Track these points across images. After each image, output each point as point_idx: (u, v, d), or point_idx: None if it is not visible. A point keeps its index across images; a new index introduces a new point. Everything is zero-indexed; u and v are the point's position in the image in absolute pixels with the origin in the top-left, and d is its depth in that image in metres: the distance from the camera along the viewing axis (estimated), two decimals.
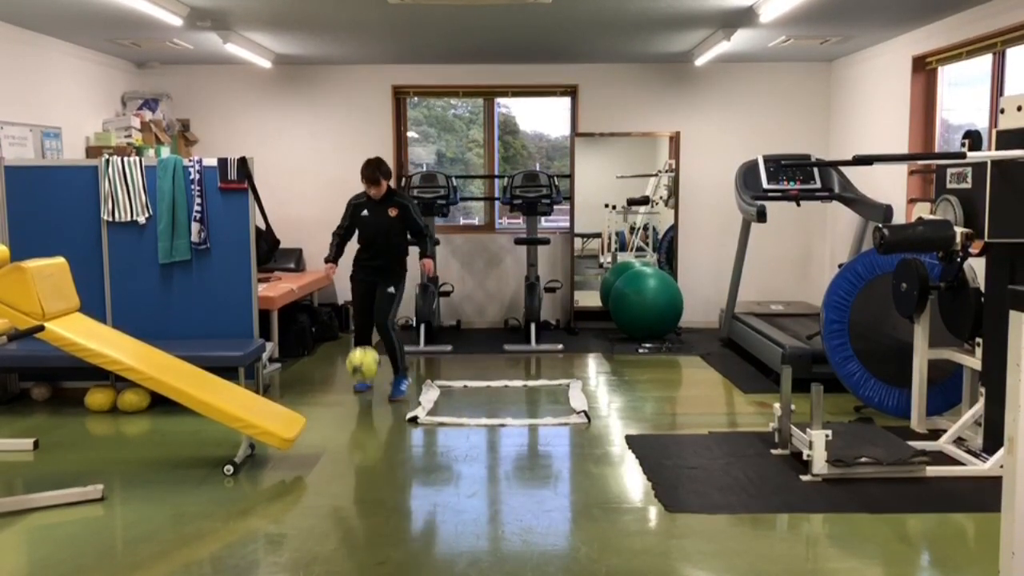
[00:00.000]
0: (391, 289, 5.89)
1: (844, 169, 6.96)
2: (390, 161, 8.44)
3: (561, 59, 8.05)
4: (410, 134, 9.00)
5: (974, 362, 4.57)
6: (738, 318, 7.26)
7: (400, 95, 8.52)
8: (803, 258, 8.56)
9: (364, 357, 5.76)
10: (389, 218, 5.87)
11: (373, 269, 5.92)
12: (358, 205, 5.94)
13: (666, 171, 8.63)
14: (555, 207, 7.92)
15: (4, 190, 5.85)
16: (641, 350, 7.37)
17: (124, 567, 3.24)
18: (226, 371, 5.00)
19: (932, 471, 4.17)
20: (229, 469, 4.27)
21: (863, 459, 4.12)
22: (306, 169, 8.48)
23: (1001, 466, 2.78)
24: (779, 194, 6.83)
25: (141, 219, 5.87)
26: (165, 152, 7.61)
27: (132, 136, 7.31)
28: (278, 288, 6.95)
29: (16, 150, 6.16)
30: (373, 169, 5.79)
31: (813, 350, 5.82)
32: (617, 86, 8.34)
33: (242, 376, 5.45)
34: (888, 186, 6.97)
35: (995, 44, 5.65)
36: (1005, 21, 5.42)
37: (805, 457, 4.17)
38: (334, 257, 5.96)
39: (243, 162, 5.87)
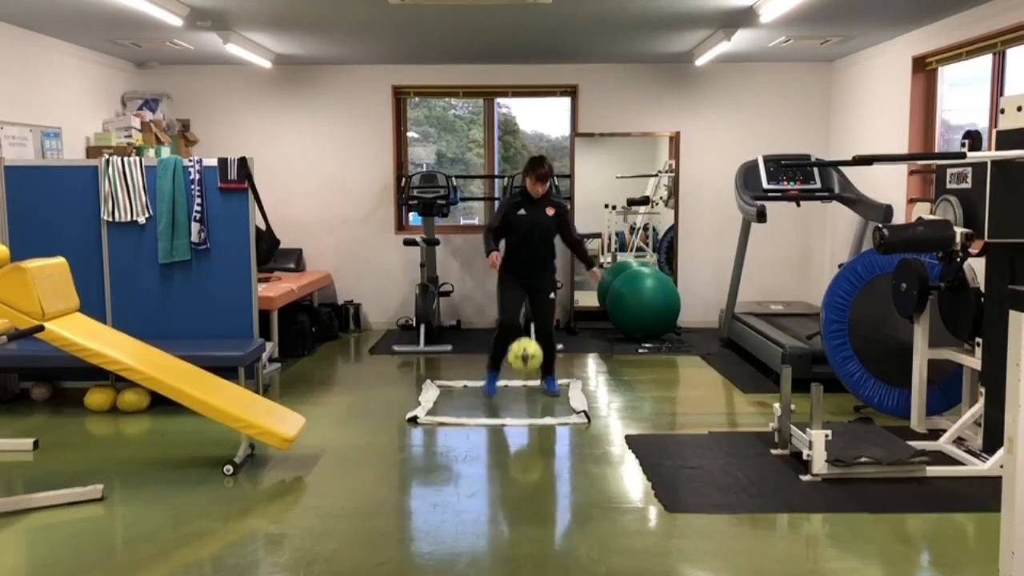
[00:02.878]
0: (552, 296, 5.87)
1: (844, 169, 6.96)
2: (390, 161, 8.46)
3: (561, 59, 8.06)
4: (410, 134, 9.00)
5: (974, 362, 4.57)
6: (738, 318, 7.27)
7: (400, 95, 8.52)
8: (803, 258, 8.56)
9: (531, 345, 5.60)
10: (547, 218, 5.75)
11: (528, 272, 5.79)
12: (515, 204, 5.77)
13: (666, 171, 8.63)
14: None
15: (4, 190, 5.85)
16: (641, 350, 7.37)
17: (124, 567, 3.24)
18: (226, 371, 5.01)
19: (932, 471, 4.17)
20: (229, 469, 4.27)
21: (863, 459, 4.12)
22: (306, 169, 8.48)
23: (1001, 466, 2.78)
24: (779, 194, 6.83)
25: (141, 219, 5.87)
26: (165, 152, 7.62)
27: (132, 136, 7.31)
28: (278, 288, 6.96)
29: (16, 150, 6.17)
30: (546, 169, 5.69)
31: (813, 350, 5.82)
32: (617, 86, 8.35)
33: (242, 376, 5.45)
34: (888, 186, 6.97)
35: (995, 44, 5.66)
36: (1005, 21, 5.42)
37: (805, 457, 4.18)
38: (496, 247, 5.73)
39: (243, 162, 5.87)
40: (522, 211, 5.74)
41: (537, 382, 6.24)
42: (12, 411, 5.54)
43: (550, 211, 5.77)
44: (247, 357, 5.48)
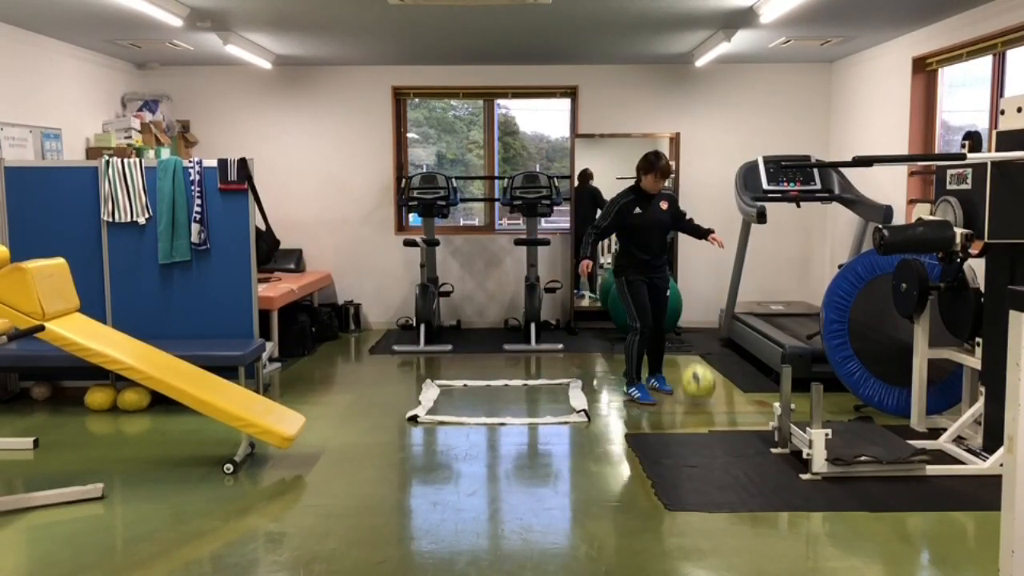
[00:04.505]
0: (668, 293, 5.83)
1: (844, 170, 6.97)
2: (390, 162, 8.46)
3: (561, 60, 8.06)
4: (410, 135, 9.01)
5: (974, 361, 4.58)
6: (738, 318, 7.27)
7: (400, 96, 8.52)
8: (803, 258, 8.56)
9: (700, 369, 5.60)
10: (663, 212, 5.69)
11: (651, 268, 5.69)
12: (629, 203, 5.61)
13: None
14: (555, 208, 7.93)
15: (4, 191, 5.86)
16: None
17: (124, 566, 3.24)
18: (226, 371, 5.00)
19: (932, 470, 4.17)
20: (229, 468, 4.27)
21: (863, 458, 4.12)
22: (306, 170, 8.48)
23: (1001, 465, 2.78)
24: (779, 195, 6.83)
25: (141, 220, 5.87)
26: (165, 153, 7.62)
27: (132, 137, 7.31)
28: (278, 288, 6.96)
29: (16, 151, 6.17)
30: (666, 163, 5.60)
31: (813, 350, 5.82)
32: (617, 87, 8.35)
33: (242, 376, 5.45)
34: (888, 187, 6.98)
35: (995, 45, 5.66)
36: (1005, 22, 5.43)
37: (805, 456, 4.18)
38: (592, 255, 5.64)
39: (243, 163, 5.87)
40: (638, 210, 5.60)
41: (538, 381, 6.24)
42: (12, 410, 5.54)
43: (664, 205, 5.70)
44: (247, 357, 5.48)
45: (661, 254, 5.77)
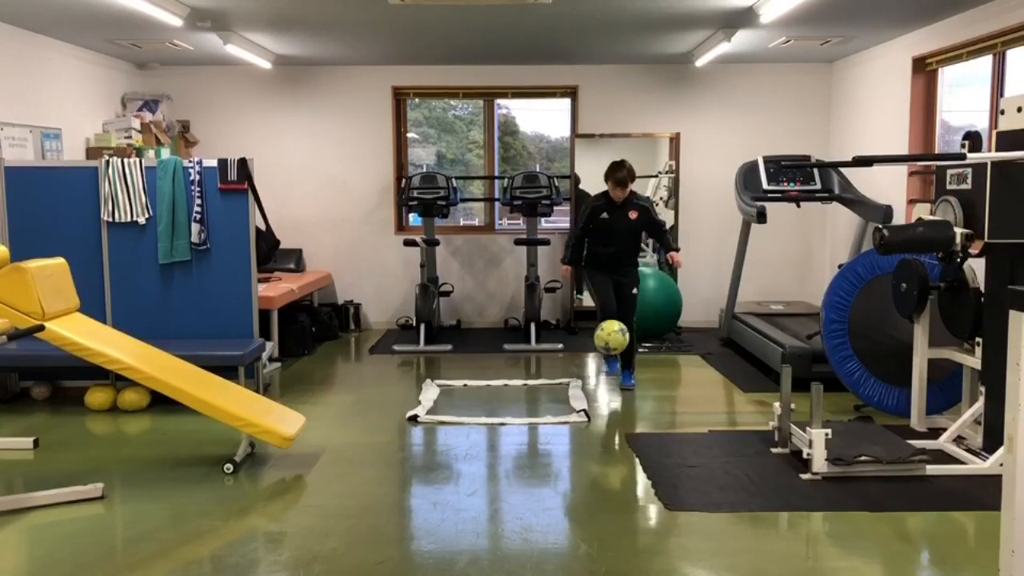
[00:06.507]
0: (635, 291, 6.00)
1: (844, 170, 6.97)
2: (390, 162, 8.46)
3: (561, 60, 8.06)
4: (410, 135, 9.01)
5: (974, 361, 4.58)
6: (738, 318, 7.27)
7: (400, 96, 8.52)
8: (803, 258, 8.56)
9: (616, 339, 5.65)
10: (630, 221, 5.88)
11: (612, 268, 5.94)
12: (597, 207, 5.89)
13: (666, 172, 8.64)
14: (555, 208, 7.93)
15: (4, 191, 5.86)
16: (641, 349, 7.36)
17: (124, 566, 3.24)
18: (226, 370, 5.01)
19: (932, 470, 4.17)
20: (229, 468, 4.27)
21: (863, 458, 4.12)
22: (306, 169, 8.48)
23: (1001, 464, 2.78)
24: (779, 195, 6.83)
25: (141, 220, 5.88)
26: (165, 153, 7.62)
27: (132, 137, 7.31)
28: (278, 288, 6.96)
29: (16, 151, 6.17)
30: (626, 173, 5.77)
31: (813, 349, 5.82)
32: (617, 87, 8.35)
33: (242, 375, 5.45)
34: (888, 187, 6.97)
35: (995, 45, 5.66)
36: (1005, 22, 5.43)
37: (805, 456, 4.18)
38: (572, 260, 6.02)
39: (243, 163, 5.88)
40: (604, 215, 5.85)
41: (538, 381, 6.24)
42: (12, 410, 5.54)
43: (633, 214, 5.88)
44: (247, 356, 5.48)
45: (627, 257, 5.99)
